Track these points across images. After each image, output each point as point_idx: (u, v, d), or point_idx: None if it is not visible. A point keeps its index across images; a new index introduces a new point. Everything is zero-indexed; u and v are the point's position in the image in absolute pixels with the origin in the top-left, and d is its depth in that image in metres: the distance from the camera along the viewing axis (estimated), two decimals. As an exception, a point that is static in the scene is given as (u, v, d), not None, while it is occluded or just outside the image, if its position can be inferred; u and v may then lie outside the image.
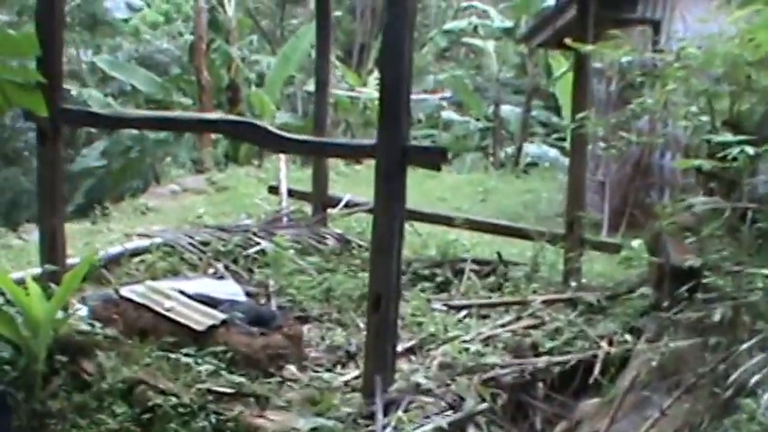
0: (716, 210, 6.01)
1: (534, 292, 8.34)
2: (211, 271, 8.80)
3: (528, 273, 8.95)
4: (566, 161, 18.85)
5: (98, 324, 6.74)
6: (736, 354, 5.13)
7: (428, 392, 6.17)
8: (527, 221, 10.99)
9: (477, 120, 21.35)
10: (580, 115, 8.16)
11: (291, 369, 6.70)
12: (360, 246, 9.71)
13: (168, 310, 6.82)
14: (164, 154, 18.30)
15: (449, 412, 5.95)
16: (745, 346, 5.10)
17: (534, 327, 7.47)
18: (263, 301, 8.13)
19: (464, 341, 7.14)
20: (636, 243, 9.28)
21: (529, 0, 18.85)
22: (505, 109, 20.71)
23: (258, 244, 9.37)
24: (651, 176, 12.78)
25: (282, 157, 12.16)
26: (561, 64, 18.70)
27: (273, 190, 11.49)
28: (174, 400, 5.93)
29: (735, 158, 5.56)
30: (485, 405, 6.14)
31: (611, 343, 6.94)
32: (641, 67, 13.25)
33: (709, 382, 5.33)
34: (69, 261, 7.46)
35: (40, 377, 6.15)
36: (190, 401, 5.94)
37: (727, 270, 5.64)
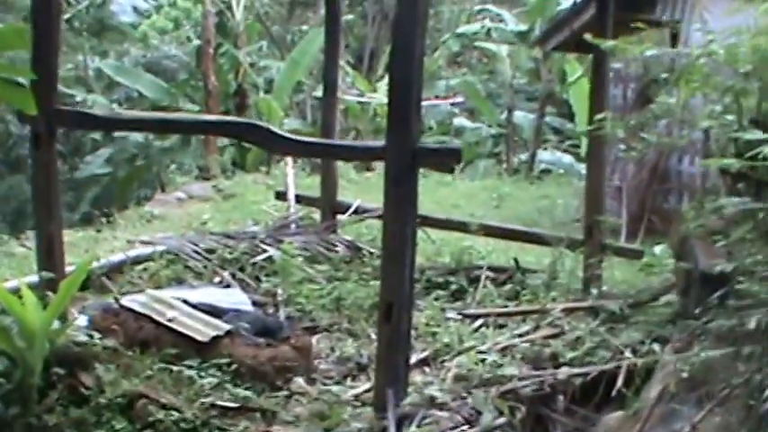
0: (746, 212, 5.68)
1: (553, 300, 8.05)
2: (217, 279, 8.64)
3: (546, 280, 8.67)
4: (581, 168, 18.88)
5: (97, 335, 6.54)
6: (772, 363, 4.82)
7: (443, 406, 5.92)
8: (543, 228, 10.72)
9: (490, 126, 21.07)
10: (599, 116, 7.86)
11: (299, 382, 6.49)
12: (371, 253, 9.51)
13: (170, 321, 6.65)
14: (169, 161, 18.12)
15: (465, 427, 5.71)
16: (782, 355, 4.78)
17: (554, 336, 7.17)
18: (270, 310, 7.95)
19: (480, 352, 6.87)
20: (658, 249, 9.03)
21: (544, 3, 18.61)
22: (518, 115, 20.49)
23: (265, 251, 9.19)
24: (669, 181, 12.64)
25: (290, 162, 11.97)
26: (575, 69, 18.56)
27: (281, 196, 11.29)
28: (176, 414, 5.79)
29: (765, 158, 5.24)
30: (503, 419, 5.86)
31: (634, 353, 6.65)
32: (660, 68, 13.15)
33: (744, 394, 5.03)
34: (69, 269, 7.18)
35: (36, 391, 5.93)
36: (193, 416, 5.78)
37: (761, 275, 5.31)
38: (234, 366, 6.30)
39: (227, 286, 8.34)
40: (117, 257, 8.81)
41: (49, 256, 6.93)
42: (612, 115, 15.07)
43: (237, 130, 6.34)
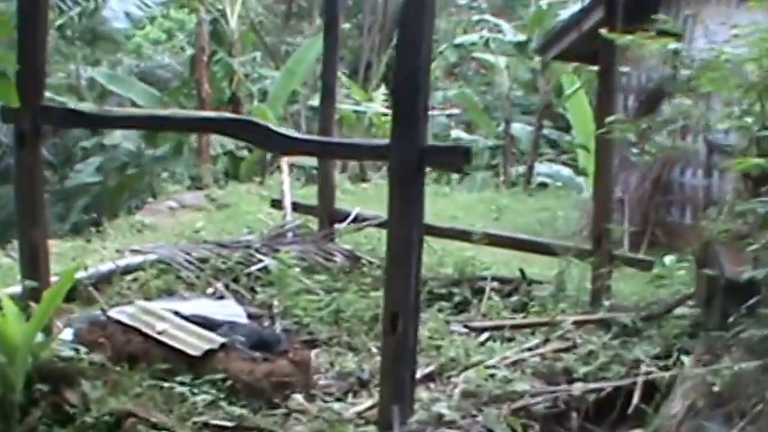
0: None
1: (562, 312, 7.82)
2: (210, 290, 8.39)
3: (553, 291, 8.46)
4: (579, 180, 18.79)
5: (83, 349, 6.26)
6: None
7: (452, 424, 5.65)
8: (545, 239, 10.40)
9: (487, 138, 20.88)
10: (610, 119, 7.58)
11: (298, 399, 6.19)
12: (370, 263, 9.26)
13: (161, 334, 6.38)
14: (161, 170, 17.89)
15: (476, 447, 5.37)
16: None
17: (565, 350, 6.96)
18: (266, 323, 7.71)
19: (488, 366, 6.58)
20: (667, 260, 8.77)
21: (542, 15, 18.50)
22: (516, 127, 20.41)
23: (261, 261, 8.96)
24: (671, 193, 12.60)
25: (285, 168, 11.69)
26: (573, 81, 18.41)
27: (276, 204, 11.09)
28: (166, 434, 5.47)
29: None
30: (516, 439, 5.53)
31: (650, 367, 6.36)
32: (662, 77, 12.99)
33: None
34: (55, 279, 6.86)
35: (18, 408, 5.67)
36: (184, 436, 5.46)
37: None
38: (229, 382, 6.01)
39: (221, 297, 8.13)
40: (105, 267, 8.57)
41: (33, 264, 6.62)
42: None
43: (234, 128, 5.99)
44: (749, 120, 6.31)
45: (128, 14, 16.35)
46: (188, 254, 8.93)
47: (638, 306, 7.78)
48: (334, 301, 8.16)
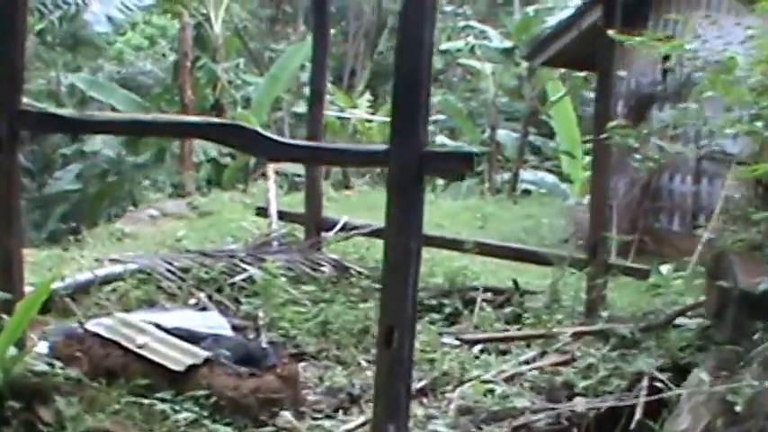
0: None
1: (559, 323, 7.61)
2: (192, 301, 8.17)
3: (547, 302, 8.32)
4: (564, 187, 18.74)
5: (58, 363, 5.97)
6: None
7: None
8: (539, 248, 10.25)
9: (471, 145, 20.77)
10: (611, 124, 7.38)
11: (286, 416, 5.96)
12: (359, 273, 9.11)
13: (141, 347, 6.15)
14: (143, 178, 17.71)
15: (476, 468, 5.17)
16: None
17: (563, 363, 6.73)
18: (251, 335, 7.47)
19: (485, 381, 6.36)
20: (665, 269, 8.57)
21: (528, 21, 18.47)
22: (501, 134, 20.42)
23: (245, 271, 8.75)
24: (660, 200, 12.59)
25: (272, 175, 11.51)
26: (557, 88, 18.53)
27: (262, 212, 10.88)
28: (146, 454, 5.26)
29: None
30: (517, 459, 5.30)
31: (652, 381, 6.13)
32: (653, 84, 12.90)
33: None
34: (30, 290, 6.59)
35: None
36: (165, 457, 5.25)
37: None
38: (213, 399, 5.80)
39: (204, 309, 7.91)
40: (83, 277, 8.32)
41: (7, 274, 6.31)
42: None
43: (220, 133, 5.70)
44: (759, 124, 6.10)
45: (110, 18, 16.10)
46: (169, 263, 8.72)
47: (636, 317, 7.57)
48: (322, 312, 7.97)
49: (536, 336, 7.32)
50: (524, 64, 18.09)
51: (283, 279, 8.50)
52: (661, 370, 6.28)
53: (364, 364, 6.91)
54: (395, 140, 5.09)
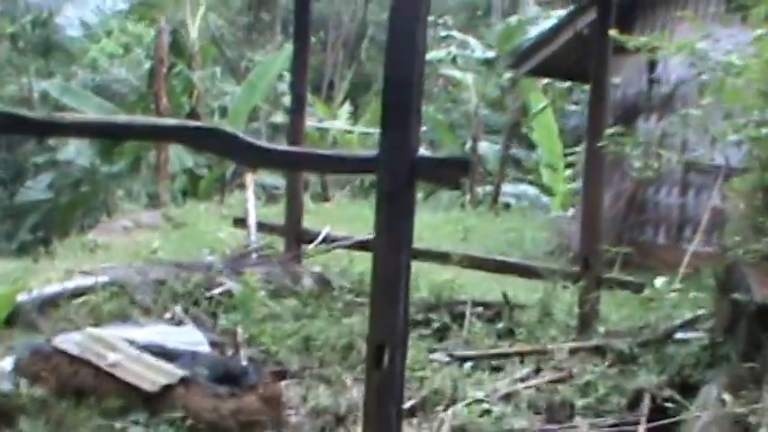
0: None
1: (553, 338, 7.30)
2: (167, 315, 7.89)
3: (539, 317, 8.04)
4: (546, 200, 18.62)
5: (24, 382, 5.88)
6: None
7: None
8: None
9: (452, 156, 20.63)
10: (609, 131, 7.12)
11: None
12: (342, 287, 8.81)
13: (113, 366, 5.92)
14: (117, 188, 17.51)
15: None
16: None
17: (561, 380, 6.48)
18: (229, 352, 7.18)
19: (479, 400, 6.06)
20: (659, 282, 8.33)
21: (511, 31, 18.34)
22: (482, 145, 20.32)
23: (223, 284, 8.50)
24: (646, 212, 12.51)
25: (251, 185, 11.27)
26: (539, 100, 18.51)
27: (239, 222, 10.63)
28: (117, 482, 4.99)
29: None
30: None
31: (654, 399, 5.89)
32: (639, 95, 12.74)
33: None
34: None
35: None
36: (138, 484, 4.98)
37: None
38: (190, 422, 5.55)
39: (180, 323, 7.65)
40: (52, 289, 8.02)
41: (-31, 286, 5.94)
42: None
43: (197, 137, 5.34)
44: (765, 131, 5.85)
45: (83, 22, 15.77)
46: (143, 275, 8.47)
47: (632, 331, 7.38)
48: (304, 327, 7.70)
49: (531, 352, 7.07)
50: (507, 74, 17.96)
51: (263, 293, 8.27)
52: (663, 387, 6.04)
53: (349, 382, 6.59)
54: (384, 146, 4.78)
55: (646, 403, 5.88)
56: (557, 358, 6.78)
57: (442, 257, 9.07)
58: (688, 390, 5.75)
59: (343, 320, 7.81)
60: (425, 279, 9.13)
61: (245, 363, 6.73)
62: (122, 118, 6.57)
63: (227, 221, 11.86)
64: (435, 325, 8.01)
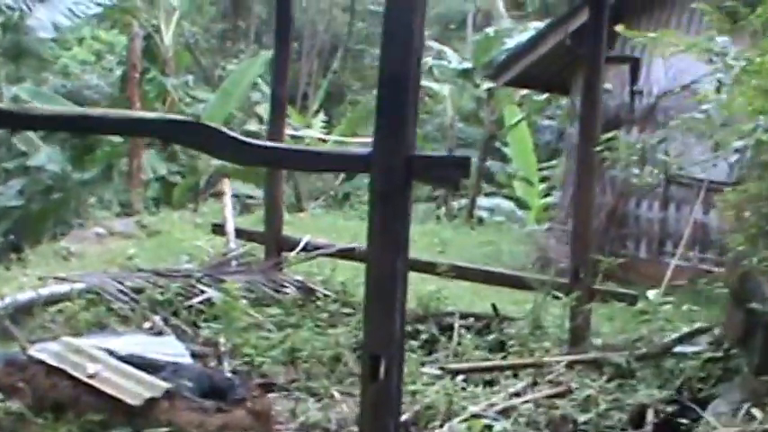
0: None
1: (546, 351, 7.11)
2: (147, 325, 7.65)
3: (529, 329, 7.81)
4: (521, 214, 18.51)
5: None
6: None
7: None
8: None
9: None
10: (607, 135, 6.95)
11: None
12: (326, 296, 8.64)
13: (92, 377, 5.65)
14: (89, 195, 17.22)
15: None
16: None
17: (559, 395, 6.25)
18: (212, 363, 6.96)
19: (477, 416, 5.81)
20: (652, 294, 8.19)
21: (489, 42, 18.31)
22: None
23: (203, 292, 8.30)
24: (627, 227, 12.51)
25: (228, 190, 11.06)
26: (514, 113, 18.45)
27: (218, 229, 10.36)
28: (98, 501, 4.73)
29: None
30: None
31: (657, 414, 5.81)
32: (620, 106, 12.66)
33: None
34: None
35: None
36: (121, 504, 4.72)
37: None
38: None
39: (160, 333, 7.40)
40: (25, 296, 7.83)
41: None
42: (567, 153, 14.53)
43: (174, 130, 5.03)
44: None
45: (55, 25, 15.43)
46: (121, 283, 8.20)
47: (629, 344, 7.17)
48: (288, 338, 7.49)
49: (526, 365, 6.85)
50: (484, 85, 17.87)
51: (245, 301, 8.02)
52: (667, 402, 5.92)
53: (338, 396, 6.37)
54: (378, 143, 4.53)
55: (650, 419, 5.74)
56: (553, 372, 6.57)
57: (429, 267, 8.84)
58: (697, 404, 5.62)
59: (328, 331, 7.64)
60: (409, 290, 8.91)
61: (229, 375, 6.47)
62: (96, 111, 6.21)
63: (203, 229, 11.66)
64: (423, 337, 7.79)
